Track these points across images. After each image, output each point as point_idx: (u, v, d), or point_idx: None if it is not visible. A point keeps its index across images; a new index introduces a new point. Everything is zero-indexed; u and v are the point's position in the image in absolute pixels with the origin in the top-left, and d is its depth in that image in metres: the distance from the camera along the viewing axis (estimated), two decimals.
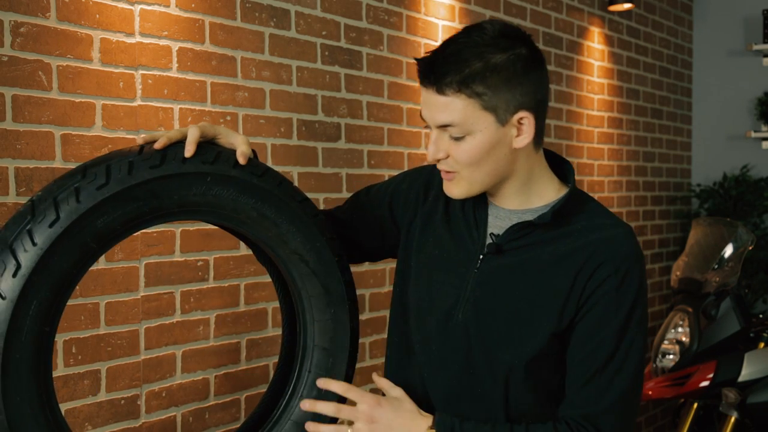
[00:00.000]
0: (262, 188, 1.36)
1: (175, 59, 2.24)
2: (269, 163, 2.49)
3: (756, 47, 4.67)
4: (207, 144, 1.36)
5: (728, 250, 3.27)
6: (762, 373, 3.12)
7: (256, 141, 2.45)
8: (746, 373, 3.11)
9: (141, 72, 2.15)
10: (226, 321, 2.40)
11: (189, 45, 2.27)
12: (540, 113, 1.37)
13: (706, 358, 3.16)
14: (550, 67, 3.79)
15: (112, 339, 2.11)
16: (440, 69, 1.30)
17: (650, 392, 3.21)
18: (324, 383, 1.44)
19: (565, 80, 3.91)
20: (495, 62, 1.30)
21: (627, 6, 4.14)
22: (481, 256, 1.42)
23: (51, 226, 1.21)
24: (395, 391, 1.42)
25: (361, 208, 1.60)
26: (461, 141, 1.33)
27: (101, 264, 2.08)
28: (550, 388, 1.42)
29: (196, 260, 2.31)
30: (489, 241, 1.43)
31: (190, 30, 2.28)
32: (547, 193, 1.44)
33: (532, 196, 1.43)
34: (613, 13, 4.26)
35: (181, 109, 2.25)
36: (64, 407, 2.01)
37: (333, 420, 1.46)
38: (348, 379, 1.50)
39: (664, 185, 4.83)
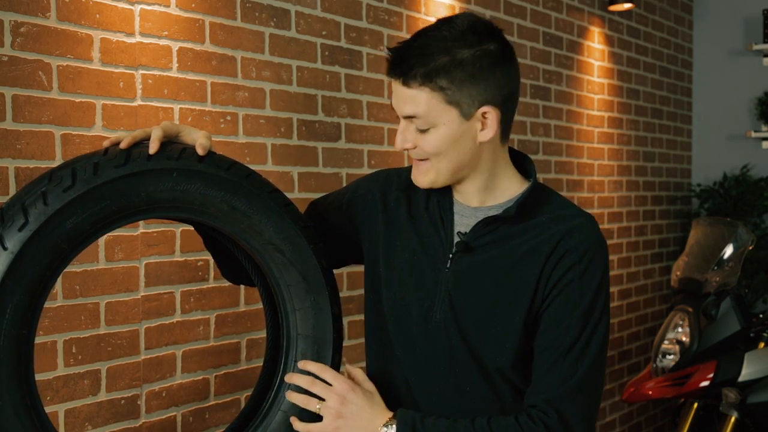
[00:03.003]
0: (230, 181, 1.38)
1: (175, 59, 2.24)
2: (269, 163, 2.50)
3: (756, 47, 4.67)
4: (172, 142, 1.38)
5: (728, 250, 3.27)
6: (762, 373, 3.12)
7: (256, 141, 2.45)
8: (746, 373, 3.11)
9: (141, 72, 2.15)
10: (226, 321, 2.40)
11: (189, 45, 2.27)
12: (507, 108, 1.40)
13: (706, 358, 3.16)
14: (550, 67, 3.79)
15: (112, 339, 2.11)
16: (407, 62, 1.33)
17: (650, 392, 3.21)
18: (303, 364, 1.46)
19: (565, 80, 3.91)
20: (461, 57, 1.33)
21: (627, 6, 4.14)
22: (450, 256, 1.43)
23: (20, 230, 1.22)
24: (368, 385, 1.45)
25: (320, 217, 1.61)
26: (426, 133, 1.37)
27: (101, 264, 2.08)
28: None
29: (196, 260, 2.31)
30: (457, 239, 1.44)
31: (190, 30, 2.28)
32: (510, 188, 1.46)
33: (496, 191, 1.45)
34: (613, 13, 4.27)
35: (181, 109, 2.25)
36: (63, 407, 2.01)
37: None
38: (335, 365, 1.50)
39: (664, 185, 4.83)
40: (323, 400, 1.42)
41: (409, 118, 1.37)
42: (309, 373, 1.46)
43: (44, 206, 1.24)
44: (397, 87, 1.36)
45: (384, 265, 1.51)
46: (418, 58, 1.33)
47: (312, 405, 1.43)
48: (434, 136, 1.36)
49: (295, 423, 1.44)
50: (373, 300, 1.54)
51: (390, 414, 1.40)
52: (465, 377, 1.42)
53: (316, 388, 1.43)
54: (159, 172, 1.32)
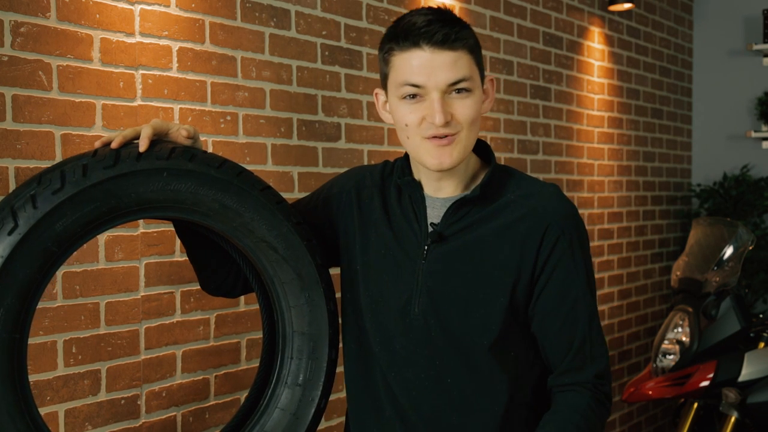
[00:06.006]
0: (221, 179, 1.38)
1: (175, 59, 2.24)
2: (269, 163, 2.50)
3: (756, 47, 4.67)
4: (162, 141, 1.37)
5: (728, 250, 3.27)
6: (762, 373, 3.12)
7: (256, 141, 2.45)
8: (746, 373, 3.11)
9: (141, 72, 2.15)
10: (226, 321, 2.40)
11: (189, 45, 2.27)
12: None
13: (706, 358, 3.16)
14: (550, 67, 3.79)
15: (112, 339, 2.11)
16: (446, 27, 1.33)
17: (650, 392, 3.21)
18: None
19: (565, 80, 3.91)
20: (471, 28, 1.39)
21: (627, 6, 4.14)
22: (425, 247, 1.43)
23: (10, 233, 1.22)
24: None
25: None
26: (465, 98, 1.36)
27: (101, 264, 2.08)
28: (519, 362, 1.43)
29: None
30: (431, 230, 1.45)
31: (190, 30, 2.28)
32: (477, 173, 1.48)
33: (468, 178, 1.47)
34: (613, 13, 4.26)
35: (181, 109, 2.25)
36: (63, 407, 2.01)
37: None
38: (331, 361, 1.50)
39: (664, 185, 4.83)
40: None
41: (452, 84, 1.34)
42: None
43: (33, 209, 1.23)
44: (436, 55, 1.33)
45: (360, 262, 1.50)
46: (451, 24, 1.34)
47: None
48: (472, 100, 1.37)
49: None
50: (350, 299, 1.53)
51: None
52: (445, 370, 1.41)
53: None
54: (149, 172, 1.32)
